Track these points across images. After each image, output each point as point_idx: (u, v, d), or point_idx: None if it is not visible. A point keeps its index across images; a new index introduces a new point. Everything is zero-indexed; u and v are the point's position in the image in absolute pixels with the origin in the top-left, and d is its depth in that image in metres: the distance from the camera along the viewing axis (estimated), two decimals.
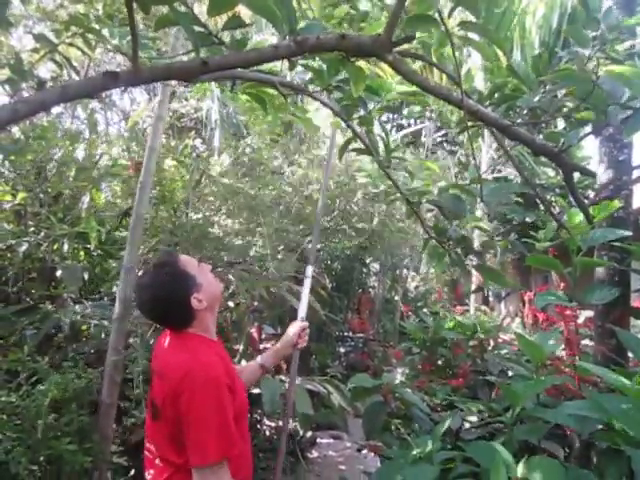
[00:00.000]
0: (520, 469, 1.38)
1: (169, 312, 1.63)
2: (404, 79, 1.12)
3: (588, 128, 1.44)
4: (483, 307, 4.98)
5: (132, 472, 2.99)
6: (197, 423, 1.46)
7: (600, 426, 1.41)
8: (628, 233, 2.02)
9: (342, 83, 1.37)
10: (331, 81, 1.34)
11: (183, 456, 1.52)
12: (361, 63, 1.17)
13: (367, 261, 9.74)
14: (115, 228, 3.69)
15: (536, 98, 1.29)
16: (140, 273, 1.72)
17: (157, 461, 1.61)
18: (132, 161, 3.77)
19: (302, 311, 2.11)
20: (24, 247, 2.87)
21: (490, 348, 3.35)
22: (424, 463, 1.61)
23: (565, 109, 1.19)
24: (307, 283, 2.14)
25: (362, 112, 1.46)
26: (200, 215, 4.04)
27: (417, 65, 3.99)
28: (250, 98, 1.43)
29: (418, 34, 1.43)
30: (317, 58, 1.29)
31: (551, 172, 5.65)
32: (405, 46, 1.09)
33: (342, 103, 1.48)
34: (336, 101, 1.48)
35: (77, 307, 3.13)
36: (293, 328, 2.04)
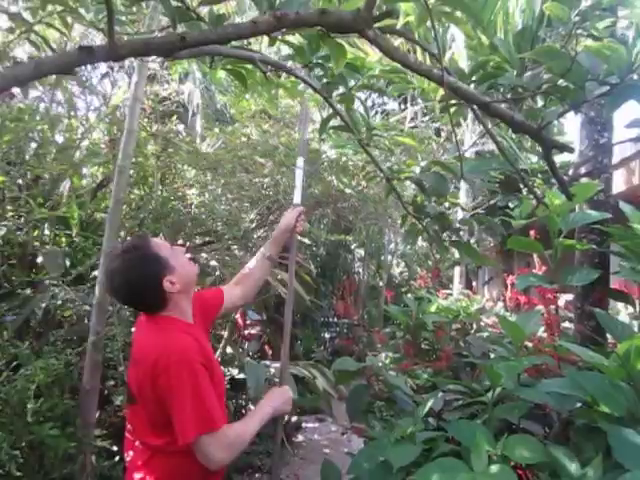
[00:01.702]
0: (500, 446, 1.40)
1: (141, 296, 1.62)
2: (385, 55, 1.11)
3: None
4: (466, 291, 5.03)
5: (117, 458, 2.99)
6: (178, 402, 1.47)
7: (579, 404, 1.44)
8: (608, 215, 2.05)
9: (323, 60, 1.36)
10: (312, 58, 1.33)
11: (162, 438, 1.53)
12: (342, 41, 1.16)
13: (352, 247, 9.78)
14: (92, 212, 3.63)
15: (518, 77, 1.30)
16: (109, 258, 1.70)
17: (137, 443, 1.62)
18: (108, 139, 3.71)
19: (297, 197, 2.08)
20: (3, 231, 2.82)
21: (473, 331, 3.38)
22: (406, 443, 1.62)
23: (544, 87, 1.19)
24: (299, 173, 2.09)
25: (343, 90, 1.45)
26: (169, 192, 4.00)
27: (400, 46, 3.98)
28: (230, 74, 1.41)
29: (402, 18, 1.43)
30: (296, 36, 1.28)
31: (534, 158, 5.70)
32: (387, 22, 1.08)
33: (323, 81, 1.47)
34: (316, 79, 1.46)
35: (59, 293, 3.09)
36: (290, 213, 2.03)
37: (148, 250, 1.62)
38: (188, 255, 1.78)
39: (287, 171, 4.50)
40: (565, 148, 1.21)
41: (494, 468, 1.31)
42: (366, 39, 1.04)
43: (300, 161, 2.11)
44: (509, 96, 1.32)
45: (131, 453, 1.64)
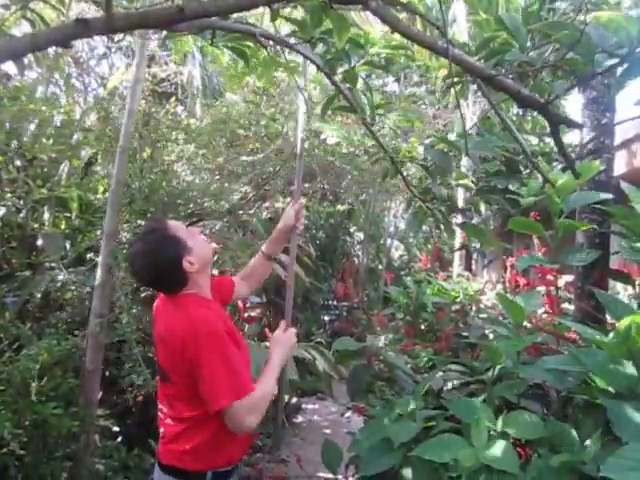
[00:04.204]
0: (500, 423, 1.41)
1: (163, 277, 1.67)
2: (387, 26, 1.09)
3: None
4: (466, 273, 5.04)
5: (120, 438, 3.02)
6: (208, 371, 1.53)
7: (578, 382, 1.45)
8: (609, 196, 2.04)
9: (326, 35, 1.34)
10: (314, 33, 1.31)
11: (195, 409, 1.60)
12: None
13: (351, 230, 9.77)
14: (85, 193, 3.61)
15: (527, 53, 1.28)
16: (130, 243, 1.76)
17: (168, 420, 1.69)
18: (99, 116, 3.68)
19: (297, 194, 2.08)
20: (2, 212, 2.81)
21: (472, 313, 3.39)
22: (407, 420, 1.63)
23: (552, 59, 1.17)
24: (300, 162, 2.06)
25: (346, 67, 1.43)
26: (157, 169, 3.98)
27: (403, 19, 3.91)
28: (232, 52, 1.39)
29: None
30: (299, 11, 1.25)
31: (534, 140, 5.66)
32: None
33: (325, 57, 1.45)
34: (319, 56, 1.44)
35: (58, 274, 3.09)
36: (289, 210, 2.05)
37: (167, 232, 1.67)
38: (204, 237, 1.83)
39: (270, 142, 4.47)
40: (572, 123, 1.20)
41: (494, 444, 1.33)
42: (369, 10, 1.02)
43: (299, 141, 2.09)
44: (514, 72, 1.30)
45: (162, 430, 1.71)
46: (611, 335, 1.25)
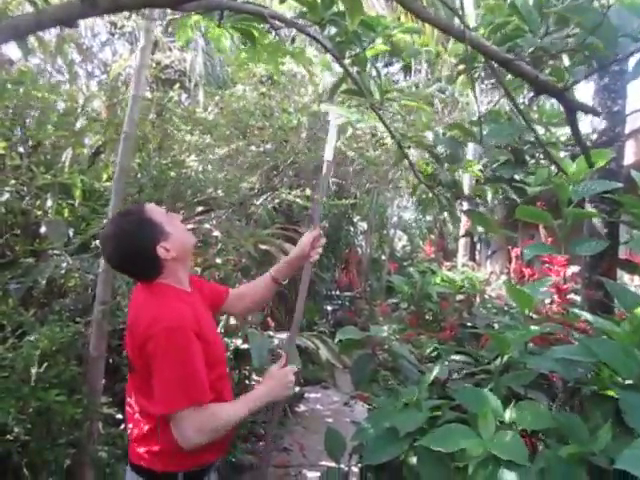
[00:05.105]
0: (508, 414, 1.39)
1: (135, 262, 1.58)
2: (403, 7, 1.06)
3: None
4: (471, 263, 5.02)
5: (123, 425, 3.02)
6: (161, 370, 1.44)
7: (587, 372, 1.43)
8: (619, 185, 2.01)
9: (337, 16, 1.31)
10: (325, 14, 1.28)
11: (157, 405, 1.49)
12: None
13: (355, 220, 9.75)
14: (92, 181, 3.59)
15: (540, 39, 1.24)
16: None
17: (136, 415, 1.60)
18: (107, 103, 3.65)
19: (317, 219, 2.00)
20: (5, 197, 2.79)
21: (477, 303, 3.38)
22: (412, 409, 1.62)
23: (570, 44, 1.14)
24: (323, 187, 1.98)
25: (357, 50, 1.39)
26: (167, 159, 3.96)
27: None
28: (240, 34, 1.36)
29: None
30: None
31: (540, 130, 5.62)
32: None
33: (335, 40, 1.41)
34: (329, 39, 1.41)
35: (62, 262, 3.08)
36: (305, 238, 1.94)
37: (142, 215, 1.58)
38: (189, 227, 1.74)
39: (284, 135, 4.44)
40: (590, 110, 1.17)
41: (502, 435, 1.31)
42: None
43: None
44: (528, 59, 1.27)
45: (130, 425, 1.63)
46: (623, 325, 1.23)
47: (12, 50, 5.52)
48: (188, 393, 1.44)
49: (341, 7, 1.22)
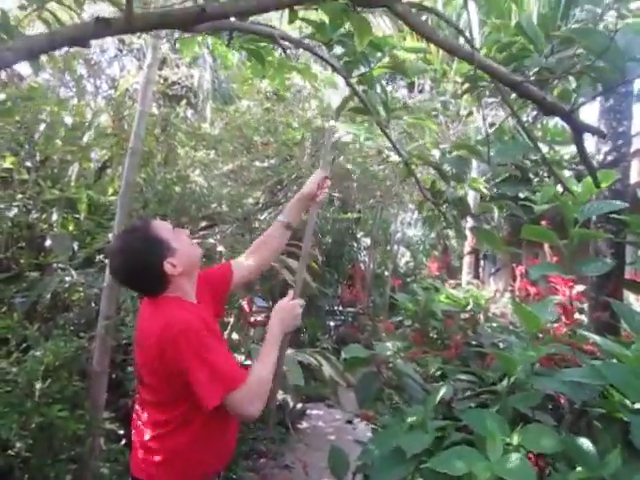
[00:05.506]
0: (515, 436, 1.38)
1: (140, 278, 1.60)
2: (413, 30, 1.07)
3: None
4: (475, 281, 5.00)
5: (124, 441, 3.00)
6: (191, 372, 1.45)
7: (594, 395, 1.41)
8: (625, 205, 2.01)
9: (344, 37, 1.32)
10: (333, 35, 1.29)
11: (165, 414, 1.54)
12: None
13: (358, 236, 9.75)
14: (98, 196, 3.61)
15: (545, 59, 1.25)
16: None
17: (141, 426, 1.62)
18: (113, 118, 3.69)
19: (325, 164, 1.97)
20: (13, 212, 2.81)
21: (482, 322, 3.35)
22: (418, 430, 1.60)
23: (577, 67, 1.15)
24: (329, 135, 1.99)
25: (363, 69, 1.41)
26: (172, 174, 3.98)
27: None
28: (248, 53, 1.38)
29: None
30: (317, 13, 1.24)
31: (544, 148, 5.65)
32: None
33: (343, 60, 1.43)
34: (336, 58, 1.43)
35: (67, 276, 3.09)
36: (314, 177, 1.91)
37: (148, 232, 1.60)
38: (194, 241, 1.76)
39: (289, 150, 4.46)
40: (597, 132, 1.18)
41: (510, 457, 1.29)
42: (394, 14, 1.01)
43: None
44: (533, 79, 1.28)
45: (134, 432, 1.66)
46: (633, 347, 1.22)
47: (22, 66, 5.59)
48: (223, 384, 1.46)
49: (348, 27, 1.23)
